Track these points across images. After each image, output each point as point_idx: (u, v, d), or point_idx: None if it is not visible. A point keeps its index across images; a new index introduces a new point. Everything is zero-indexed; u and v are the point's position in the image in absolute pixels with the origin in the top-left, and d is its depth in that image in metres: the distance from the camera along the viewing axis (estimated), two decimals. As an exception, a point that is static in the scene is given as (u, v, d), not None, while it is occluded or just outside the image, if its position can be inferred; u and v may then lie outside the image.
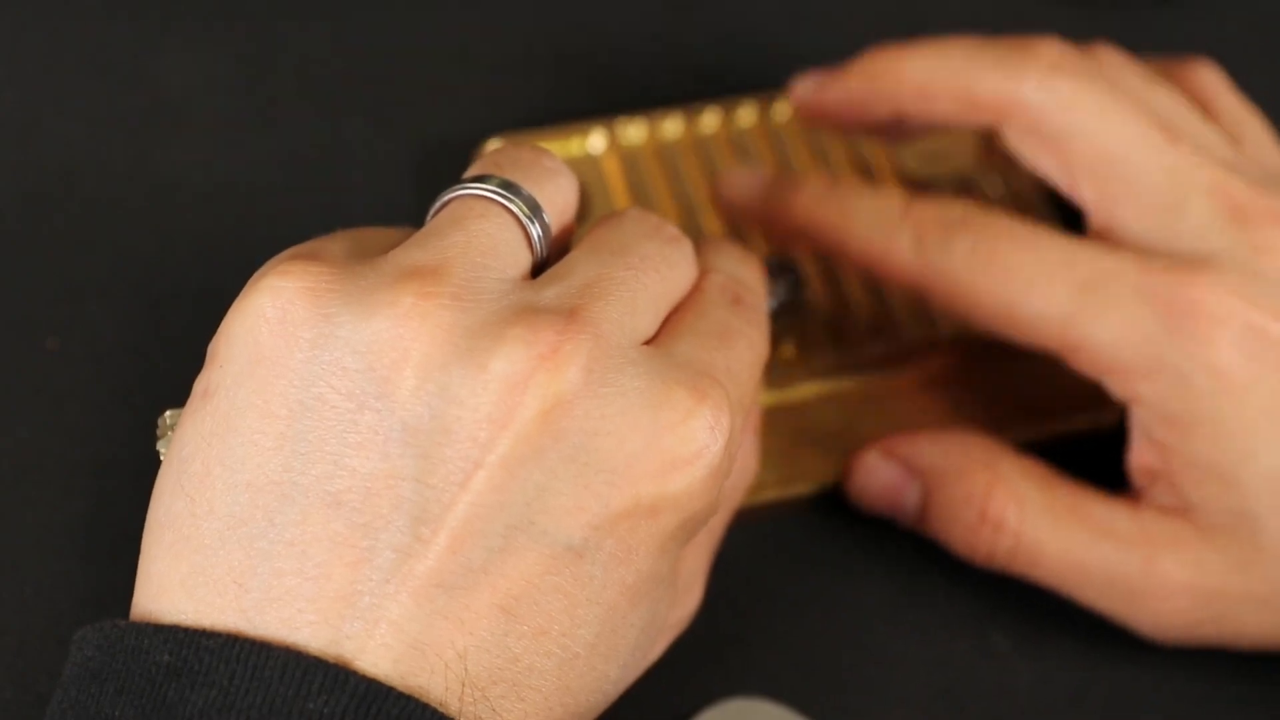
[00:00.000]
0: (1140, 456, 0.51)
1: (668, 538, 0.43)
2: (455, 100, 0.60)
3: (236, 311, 0.42)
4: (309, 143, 0.59)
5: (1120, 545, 0.50)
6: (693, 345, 0.44)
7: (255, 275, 0.43)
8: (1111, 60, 0.53)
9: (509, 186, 0.44)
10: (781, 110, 0.60)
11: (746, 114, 0.59)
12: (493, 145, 0.58)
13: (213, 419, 0.42)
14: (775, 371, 0.56)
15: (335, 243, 0.44)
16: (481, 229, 0.43)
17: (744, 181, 0.56)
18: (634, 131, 0.59)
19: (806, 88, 0.56)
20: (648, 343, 0.44)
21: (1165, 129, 0.51)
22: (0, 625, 0.51)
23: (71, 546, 0.48)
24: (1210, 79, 0.55)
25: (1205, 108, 0.54)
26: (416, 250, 0.43)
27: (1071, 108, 0.51)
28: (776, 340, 0.56)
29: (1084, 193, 0.51)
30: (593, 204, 0.58)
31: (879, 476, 0.53)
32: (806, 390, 0.56)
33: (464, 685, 0.40)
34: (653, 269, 0.45)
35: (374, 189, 0.58)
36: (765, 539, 0.54)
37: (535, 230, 0.44)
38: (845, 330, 0.57)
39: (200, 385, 0.43)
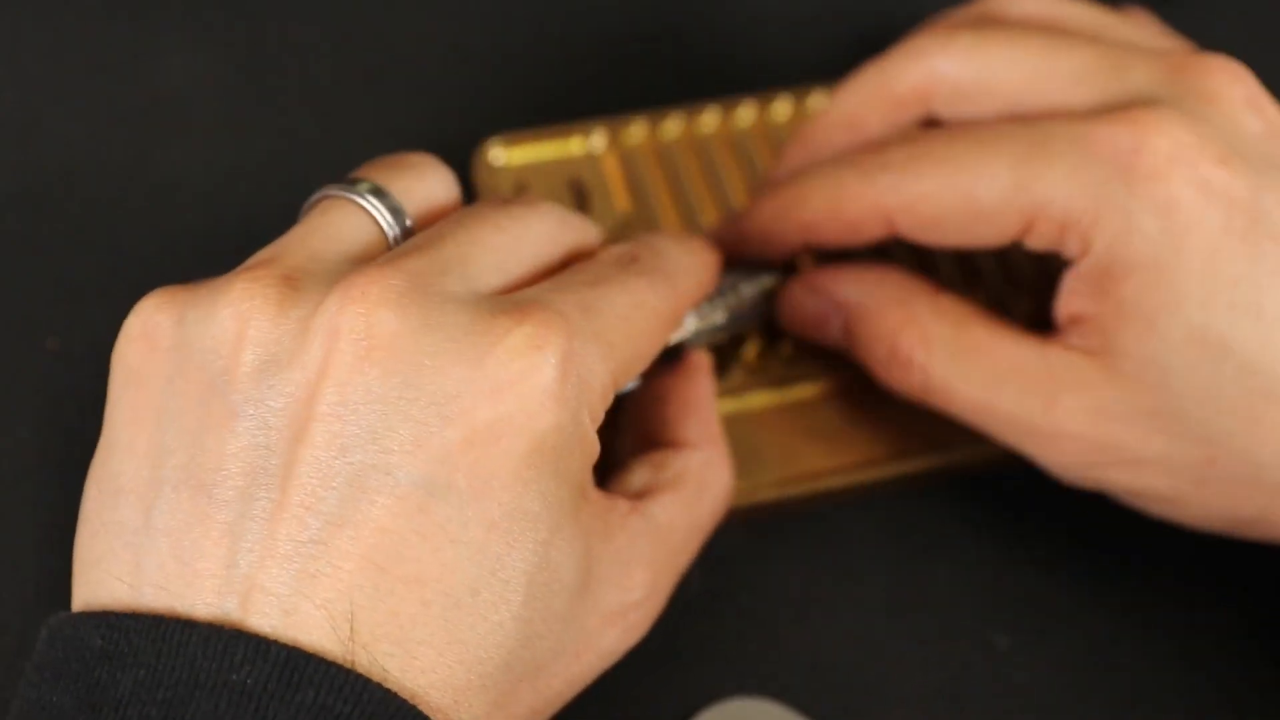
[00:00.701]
0: (1069, 303, 0.50)
1: (521, 465, 0.42)
2: (455, 100, 0.60)
3: (116, 341, 0.44)
4: (309, 143, 0.59)
5: (1024, 385, 0.50)
6: (542, 289, 0.45)
7: None
8: (1021, 1, 0.53)
9: (372, 189, 0.46)
10: (781, 110, 0.60)
11: (746, 114, 0.59)
12: (493, 145, 0.58)
13: (100, 448, 0.44)
14: (774, 371, 0.56)
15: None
16: (324, 220, 0.45)
17: (716, 229, 0.55)
18: (634, 131, 0.59)
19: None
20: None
21: (1081, 35, 0.51)
22: (0, 625, 0.51)
23: (71, 546, 0.48)
24: (1135, 15, 0.55)
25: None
26: (262, 250, 0.45)
27: (977, 53, 0.51)
28: (778, 339, 0.56)
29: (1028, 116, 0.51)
30: (593, 203, 0.58)
31: (804, 309, 0.54)
32: (806, 390, 0.56)
33: (349, 645, 0.41)
34: (491, 225, 0.45)
35: (374, 189, 0.58)
36: (765, 539, 0.54)
37: (385, 219, 0.46)
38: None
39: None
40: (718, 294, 0.52)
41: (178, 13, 0.61)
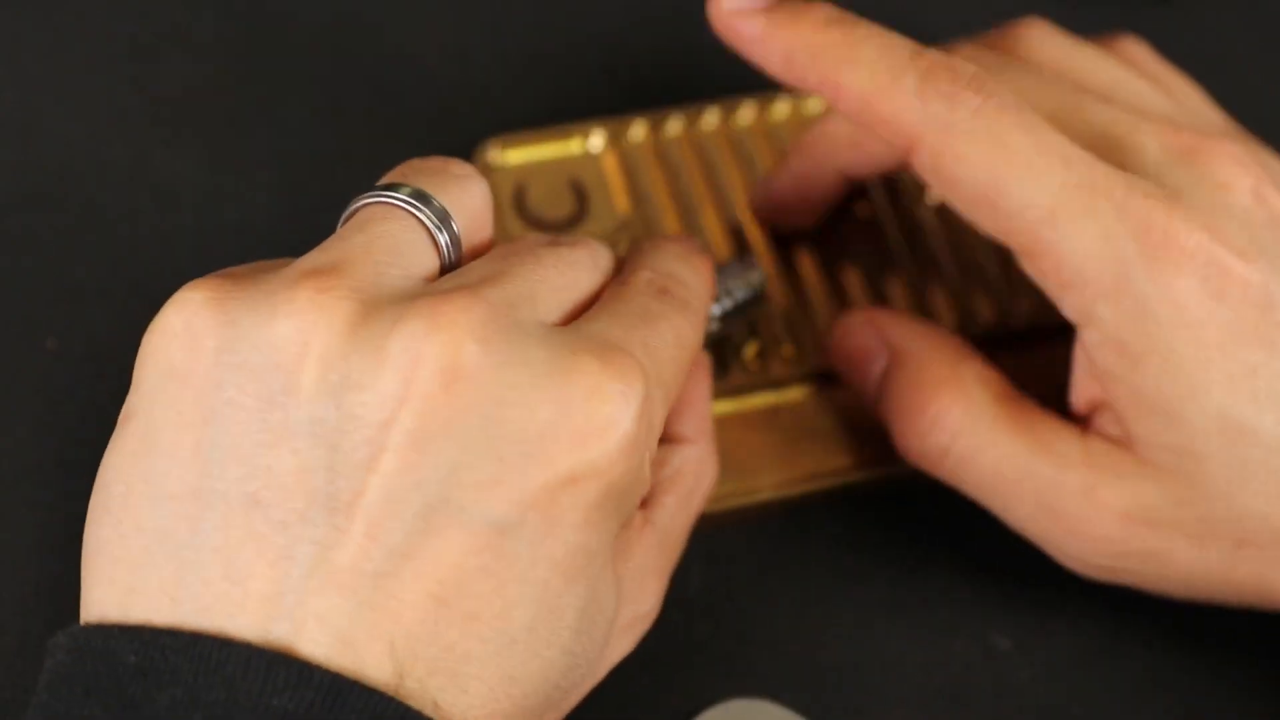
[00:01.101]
0: (1083, 389, 0.50)
1: (592, 508, 0.42)
2: (455, 100, 0.60)
3: (148, 332, 0.43)
4: (308, 143, 0.59)
5: (1061, 465, 0.50)
6: (606, 323, 0.44)
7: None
8: (1034, 37, 0.53)
9: (415, 194, 0.45)
10: (780, 110, 0.60)
11: (746, 114, 0.59)
12: (493, 145, 0.58)
13: (131, 441, 0.43)
14: (774, 372, 0.56)
15: (247, 265, 0.44)
16: (384, 230, 0.44)
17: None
18: (634, 131, 0.59)
19: (756, 192, 0.57)
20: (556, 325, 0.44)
21: (1093, 92, 0.51)
22: (0, 625, 0.51)
23: (71, 546, 0.48)
24: (1137, 51, 0.54)
25: (1141, 72, 0.54)
26: (318, 253, 0.43)
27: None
28: (778, 340, 0.56)
29: None
30: (593, 204, 0.58)
31: (856, 338, 0.53)
32: (805, 390, 0.56)
33: (401, 678, 0.40)
34: (551, 266, 0.45)
35: (374, 189, 0.58)
36: (765, 539, 0.54)
37: (443, 237, 0.44)
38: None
39: (122, 412, 0.43)
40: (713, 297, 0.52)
41: (178, 13, 0.61)
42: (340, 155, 0.59)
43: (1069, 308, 0.49)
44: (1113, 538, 0.50)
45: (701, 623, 0.53)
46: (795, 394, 0.56)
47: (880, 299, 0.57)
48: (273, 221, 0.58)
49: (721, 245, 0.57)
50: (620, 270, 0.48)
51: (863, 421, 0.55)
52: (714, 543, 0.54)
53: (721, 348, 0.56)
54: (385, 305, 0.42)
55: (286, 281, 0.42)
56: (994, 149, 0.48)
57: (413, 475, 0.41)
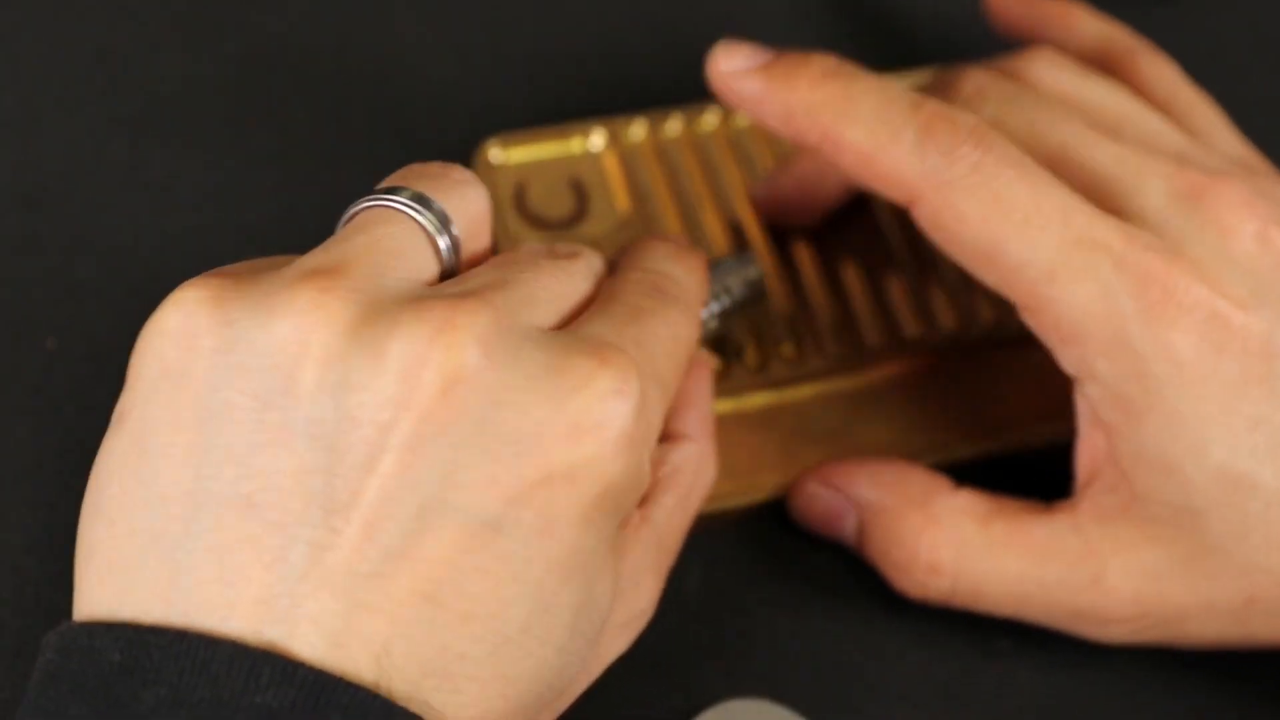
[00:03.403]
0: (1087, 443, 0.50)
1: (590, 507, 0.42)
2: (455, 100, 0.60)
3: (144, 331, 0.43)
4: (308, 143, 0.59)
5: (1065, 565, 0.50)
6: (599, 324, 0.44)
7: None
8: (1043, 67, 0.53)
9: (416, 197, 0.45)
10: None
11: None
12: (493, 144, 0.58)
13: (125, 441, 0.42)
14: (774, 372, 0.56)
15: (245, 263, 0.44)
16: (385, 232, 0.44)
17: (742, 55, 0.52)
18: (634, 131, 0.59)
19: (758, 188, 0.57)
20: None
21: (1102, 128, 0.50)
22: (0, 625, 0.51)
23: (71, 546, 0.48)
24: (1158, 70, 0.54)
25: (1154, 100, 0.53)
26: (319, 254, 0.43)
27: (999, 127, 0.50)
28: (778, 340, 0.56)
29: None
30: (593, 203, 0.58)
31: (818, 504, 0.53)
32: (805, 390, 0.56)
33: (394, 679, 0.40)
34: (549, 274, 0.45)
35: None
36: (765, 539, 0.54)
37: (443, 241, 0.45)
38: (846, 329, 0.57)
39: (115, 413, 0.43)
40: (710, 295, 0.52)
41: (178, 13, 0.61)
42: (340, 155, 0.59)
43: (1068, 362, 0.49)
44: (1128, 617, 0.50)
45: (701, 623, 0.53)
46: (795, 394, 0.56)
47: (880, 299, 0.57)
48: (273, 221, 0.58)
49: (721, 244, 0.57)
50: (612, 272, 0.48)
51: (862, 423, 0.55)
52: (714, 543, 0.54)
53: (722, 347, 0.56)
54: (386, 307, 0.42)
55: (286, 281, 0.42)
56: (993, 206, 0.48)
57: (409, 476, 0.41)
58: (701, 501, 0.50)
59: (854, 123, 0.49)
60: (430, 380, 0.41)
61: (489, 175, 0.58)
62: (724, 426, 0.55)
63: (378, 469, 0.41)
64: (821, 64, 0.50)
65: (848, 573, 0.53)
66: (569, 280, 0.46)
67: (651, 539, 0.47)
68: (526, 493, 0.41)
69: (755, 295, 0.53)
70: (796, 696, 0.52)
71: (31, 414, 0.54)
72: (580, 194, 0.58)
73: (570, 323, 0.45)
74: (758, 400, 0.55)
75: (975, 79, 0.51)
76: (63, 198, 0.57)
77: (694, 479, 0.49)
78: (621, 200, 0.58)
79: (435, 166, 0.46)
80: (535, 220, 0.57)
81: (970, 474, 0.54)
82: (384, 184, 0.45)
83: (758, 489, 0.54)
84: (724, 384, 0.55)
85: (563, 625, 0.42)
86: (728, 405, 0.55)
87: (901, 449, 0.55)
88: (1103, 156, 0.50)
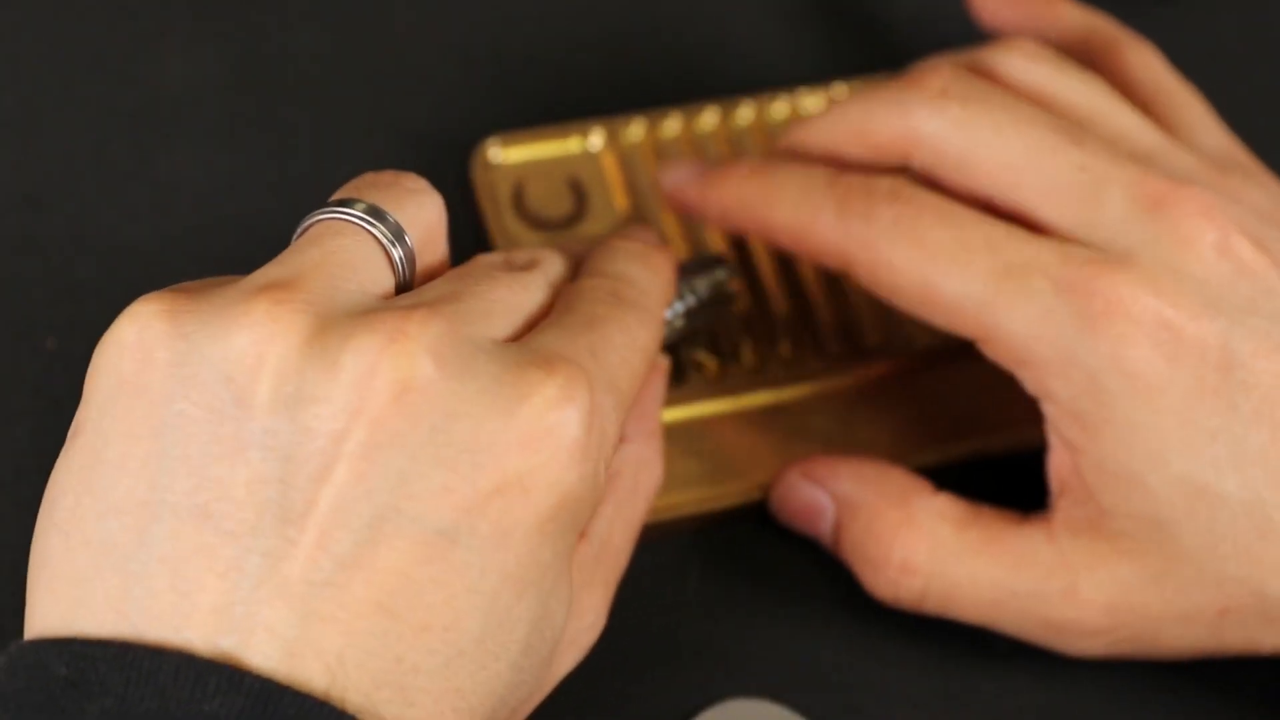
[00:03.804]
0: (1057, 458, 0.50)
1: (545, 519, 0.42)
2: (455, 100, 0.60)
3: (100, 344, 0.43)
4: (308, 143, 0.59)
5: (1039, 575, 0.50)
6: (552, 335, 0.44)
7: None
8: (1016, 59, 0.52)
9: (370, 209, 0.45)
10: (779, 110, 0.60)
11: (745, 113, 0.59)
12: (492, 143, 0.58)
13: (80, 454, 0.42)
14: (770, 373, 0.56)
15: (200, 280, 0.44)
16: (339, 245, 0.44)
17: (681, 171, 0.55)
18: (633, 130, 0.59)
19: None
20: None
21: (1068, 131, 0.50)
22: None
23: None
24: (1143, 61, 0.54)
25: (1139, 93, 0.53)
26: (273, 267, 0.43)
27: (964, 127, 0.50)
28: (775, 339, 0.56)
29: (999, 207, 0.50)
30: (591, 202, 0.58)
31: (797, 496, 0.53)
32: (803, 390, 0.56)
33: (347, 690, 0.40)
34: (504, 286, 0.45)
35: (373, 189, 0.58)
36: (765, 539, 0.54)
37: (397, 252, 0.45)
38: (844, 330, 0.57)
39: (72, 425, 0.43)
40: (676, 295, 0.51)
41: (178, 13, 0.61)
42: (340, 155, 0.59)
43: (1027, 385, 0.50)
44: (1102, 629, 0.50)
45: (701, 623, 0.53)
46: (793, 393, 0.56)
47: (879, 300, 0.57)
48: (273, 221, 0.57)
49: (717, 244, 0.57)
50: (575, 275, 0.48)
51: (857, 423, 0.55)
52: (714, 543, 0.54)
53: (720, 349, 0.56)
54: (340, 319, 0.42)
55: (241, 295, 0.42)
56: (918, 250, 0.49)
57: (363, 485, 0.41)
58: (648, 507, 0.50)
59: (780, 208, 0.52)
60: (381, 388, 0.41)
61: (487, 174, 0.58)
62: (723, 426, 0.55)
63: (331, 478, 0.41)
64: (748, 164, 0.53)
65: (848, 573, 0.53)
66: (524, 291, 0.46)
67: (590, 552, 0.47)
68: (481, 503, 0.41)
69: (722, 296, 0.53)
70: (796, 696, 0.52)
71: (31, 414, 0.54)
72: (579, 193, 0.58)
73: (526, 334, 0.45)
74: (755, 400, 0.55)
75: (940, 77, 0.51)
76: (63, 197, 0.57)
77: (634, 483, 0.49)
78: (620, 199, 0.58)
79: (388, 175, 0.46)
80: (534, 220, 0.57)
81: (967, 475, 0.54)
82: (337, 195, 0.46)
83: (754, 490, 0.54)
84: (721, 384, 0.55)
85: (517, 639, 0.42)
86: (726, 405, 0.55)
87: (897, 449, 0.55)
88: (1064, 163, 0.49)
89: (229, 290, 0.43)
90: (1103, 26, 0.55)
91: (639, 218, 0.58)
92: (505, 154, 0.58)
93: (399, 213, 0.45)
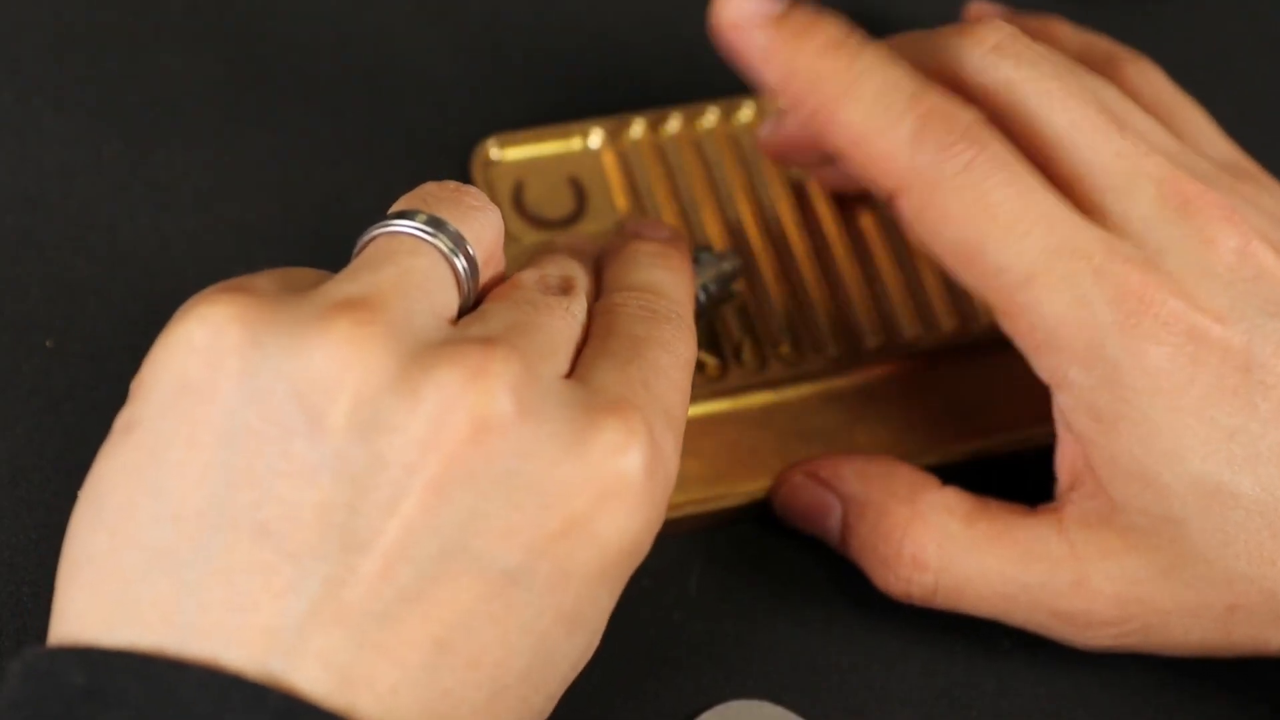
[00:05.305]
0: (1066, 450, 0.50)
1: (609, 564, 0.43)
2: (454, 99, 0.60)
3: (163, 342, 0.42)
4: (307, 143, 0.59)
5: (1049, 568, 0.49)
6: (607, 370, 0.44)
7: (181, 308, 0.42)
8: (1065, 31, 0.52)
9: (437, 224, 0.44)
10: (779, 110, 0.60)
11: (746, 112, 0.59)
12: (492, 142, 0.58)
13: (135, 452, 0.42)
14: (772, 371, 0.56)
15: (263, 278, 0.44)
16: (414, 265, 0.44)
17: (752, 3, 0.50)
18: (633, 129, 0.59)
19: (766, 128, 0.56)
20: (566, 378, 0.44)
21: (1112, 114, 0.50)
22: (-1, 626, 0.51)
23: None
24: (1144, 75, 0.54)
25: (1142, 106, 0.53)
26: (349, 283, 0.43)
27: (1013, 89, 0.49)
28: (775, 339, 0.56)
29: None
30: (591, 201, 0.58)
31: (802, 497, 0.53)
32: (804, 390, 0.56)
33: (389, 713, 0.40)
34: (558, 316, 0.45)
35: (373, 189, 0.58)
36: (764, 539, 0.54)
37: (462, 265, 0.44)
38: (845, 329, 0.57)
39: (121, 420, 0.43)
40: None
41: (177, 13, 0.61)
42: (340, 155, 0.59)
43: (1042, 369, 0.49)
44: (1110, 621, 0.50)
45: (701, 623, 0.53)
46: (793, 393, 0.56)
47: (879, 300, 0.57)
48: (273, 221, 0.58)
49: (720, 243, 0.57)
50: (597, 272, 0.48)
51: (860, 422, 0.55)
52: (714, 543, 0.54)
53: (720, 349, 0.56)
54: (422, 350, 0.42)
55: (319, 311, 0.42)
56: (978, 207, 0.48)
57: (432, 520, 0.41)
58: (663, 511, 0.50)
59: (853, 102, 0.49)
60: (459, 424, 0.41)
61: (488, 173, 0.58)
62: (723, 426, 0.55)
63: (400, 509, 0.41)
64: (832, 30, 0.49)
65: (849, 573, 0.53)
66: (575, 322, 0.46)
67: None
68: (545, 544, 0.41)
69: (729, 289, 0.53)
70: (797, 697, 0.52)
71: (31, 414, 0.54)
72: (579, 192, 0.58)
73: (580, 355, 0.45)
74: (756, 400, 0.55)
75: (999, 32, 0.50)
76: (63, 198, 0.57)
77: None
78: (620, 199, 0.58)
79: (450, 189, 0.46)
80: (534, 219, 0.57)
81: (967, 475, 0.54)
82: (401, 206, 0.45)
83: (757, 489, 0.54)
84: (723, 384, 0.55)
85: (559, 676, 0.43)
86: (727, 405, 0.55)
87: (898, 449, 0.55)
88: (1105, 147, 0.49)
89: (304, 303, 0.42)
90: (1101, 44, 0.55)
91: (639, 217, 0.58)
92: (505, 153, 0.58)
93: (463, 228, 0.45)
